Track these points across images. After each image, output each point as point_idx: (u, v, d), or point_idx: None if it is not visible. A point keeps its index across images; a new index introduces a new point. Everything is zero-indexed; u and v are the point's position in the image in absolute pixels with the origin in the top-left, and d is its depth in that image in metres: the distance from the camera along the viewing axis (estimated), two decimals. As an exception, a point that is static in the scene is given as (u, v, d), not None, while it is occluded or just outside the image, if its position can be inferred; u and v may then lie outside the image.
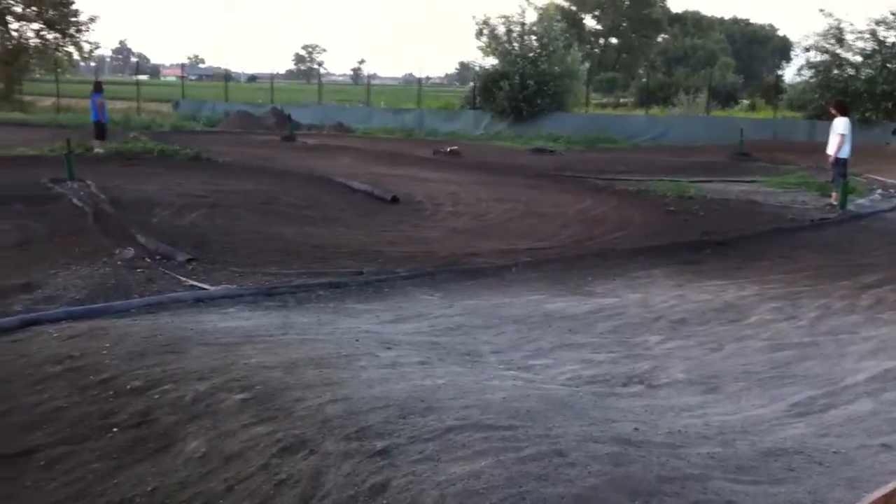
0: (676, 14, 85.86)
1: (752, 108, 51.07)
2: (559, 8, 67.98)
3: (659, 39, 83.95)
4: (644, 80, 55.81)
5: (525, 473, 3.72)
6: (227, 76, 54.65)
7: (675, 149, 29.64)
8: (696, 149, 28.98)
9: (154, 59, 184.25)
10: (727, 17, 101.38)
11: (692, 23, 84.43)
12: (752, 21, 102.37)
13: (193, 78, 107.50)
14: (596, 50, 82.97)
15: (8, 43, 45.60)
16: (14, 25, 45.93)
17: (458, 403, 4.71)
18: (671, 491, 3.63)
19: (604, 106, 54.87)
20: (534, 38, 37.57)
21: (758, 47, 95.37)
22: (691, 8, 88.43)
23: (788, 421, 4.98)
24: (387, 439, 4.17)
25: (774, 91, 42.11)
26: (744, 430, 4.71)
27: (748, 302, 8.55)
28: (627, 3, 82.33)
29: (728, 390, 5.68)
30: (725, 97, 51.47)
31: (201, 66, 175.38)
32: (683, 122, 35.27)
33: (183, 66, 69.72)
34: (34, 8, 45.50)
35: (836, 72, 32.60)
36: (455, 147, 27.07)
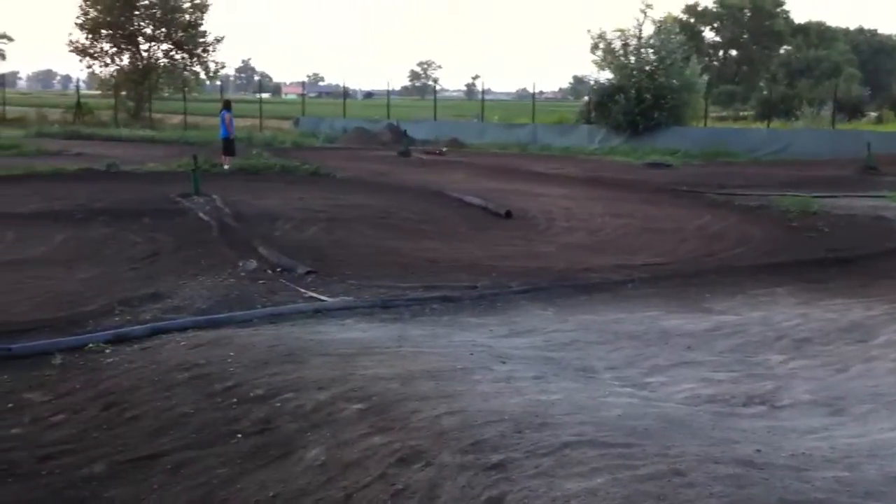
0: (799, 25, 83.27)
1: (880, 120, 49.11)
2: (677, 20, 66.83)
3: (781, 51, 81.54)
4: (765, 92, 54.33)
5: (642, 492, 3.66)
6: (344, 93, 55.82)
7: (797, 163, 28.69)
8: (821, 163, 27.95)
9: (276, 78, 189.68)
10: (852, 27, 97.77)
11: (816, 34, 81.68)
12: (879, 31, 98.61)
13: (313, 95, 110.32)
14: (715, 62, 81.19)
15: (139, 63, 47.78)
16: (144, 46, 48.15)
17: (573, 419, 4.68)
18: (796, 515, 3.52)
19: (723, 119, 53.71)
20: (651, 51, 37.05)
21: (885, 58, 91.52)
22: (815, 18, 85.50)
23: (920, 445, 4.75)
24: (502, 453, 4.17)
25: (904, 103, 40.36)
26: (871, 454, 4.51)
27: (876, 321, 8.20)
28: (748, 14, 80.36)
29: (855, 412, 5.46)
30: (851, 110, 49.63)
31: (320, 83, 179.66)
32: (807, 136, 34.11)
33: (303, 84, 71.50)
34: (164, 30, 47.55)
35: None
36: (444, 149, 27.17)
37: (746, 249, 12.56)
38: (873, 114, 54.45)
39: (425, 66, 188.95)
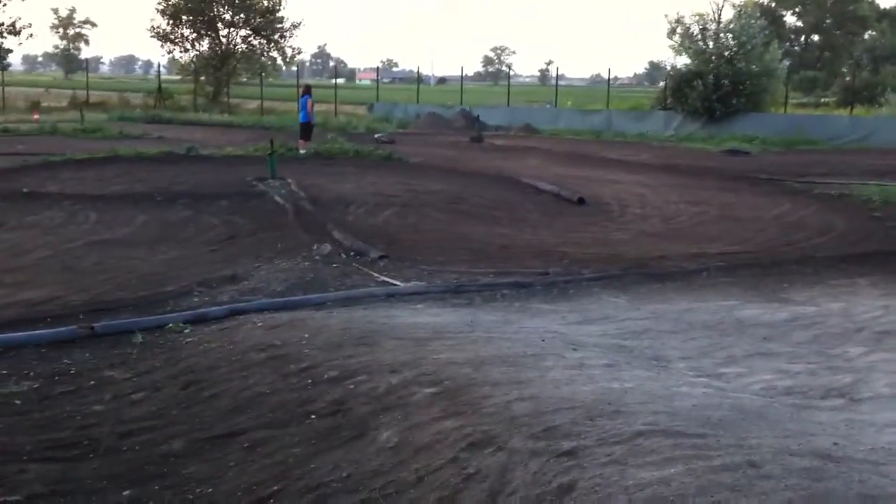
0: (885, 10, 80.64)
1: (968, 107, 47.27)
2: (758, 5, 65.28)
3: (865, 36, 79.11)
4: (847, 78, 52.81)
5: (717, 483, 3.62)
6: (418, 79, 55.96)
7: (881, 151, 27.85)
8: (906, 151, 27.15)
9: (350, 64, 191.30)
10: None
11: (902, 18, 79.07)
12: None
13: (386, 81, 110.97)
14: (796, 47, 79.20)
15: (218, 48, 48.59)
16: (223, 32, 48.95)
17: (646, 408, 4.64)
18: (874, 510, 3.44)
19: (804, 106, 52.32)
20: (730, 35, 36.31)
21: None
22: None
23: None
24: (574, 440, 4.17)
25: None
26: (955, 451, 4.38)
27: (962, 315, 7.94)
28: (832, -1, 78.19)
29: (938, 408, 5.30)
30: (938, 97, 47.89)
31: (394, 69, 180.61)
32: (890, 124, 33.06)
33: (377, 69, 71.87)
34: (242, 15, 48.25)
35: None
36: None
37: (827, 239, 12.27)
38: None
39: (499, 51, 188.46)
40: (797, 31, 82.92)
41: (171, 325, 7.33)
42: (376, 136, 27.92)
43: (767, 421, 4.62)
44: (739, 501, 3.46)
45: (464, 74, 51.86)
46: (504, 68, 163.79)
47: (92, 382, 6.15)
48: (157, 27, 47.96)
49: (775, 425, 4.56)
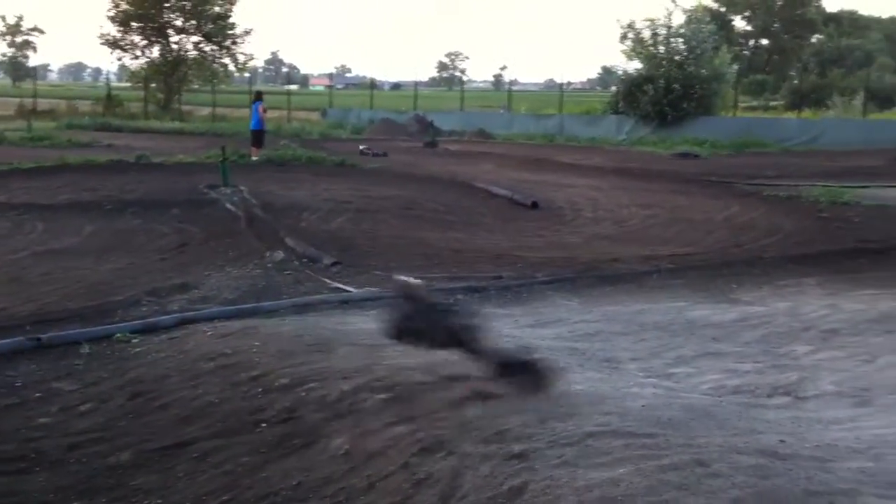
0: (831, 14, 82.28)
1: (913, 110, 48.40)
2: (708, 9, 66.21)
3: (813, 40, 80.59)
4: (796, 82, 53.78)
5: (666, 482, 3.65)
6: (371, 85, 55.91)
7: (828, 153, 28.40)
8: (852, 153, 27.68)
9: (303, 70, 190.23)
10: (885, 15, 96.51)
11: (848, 22, 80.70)
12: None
13: (340, 87, 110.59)
14: (745, 52, 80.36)
15: (168, 55, 48.05)
16: (174, 38, 48.39)
17: (597, 410, 4.67)
18: (819, 506, 3.49)
19: (753, 109, 53.17)
20: (681, 40, 36.78)
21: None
22: (847, 7, 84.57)
23: (945, 437, 4.69)
24: (525, 443, 4.18)
25: (939, 92, 39.78)
26: (898, 446, 4.47)
27: (906, 313, 8.10)
28: (780, 3, 79.45)
29: (881, 403, 5.40)
30: (884, 99, 48.96)
31: (348, 75, 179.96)
32: (838, 126, 33.76)
33: (330, 75, 71.65)
34: (194, 22, 47.79)
35: None
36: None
37: (775, 240, 12.46)
38: (907, 103, 53.68)
39: (453, 57, 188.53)
40: (746, 36, 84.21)
41: (119, 335, 7.22)
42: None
43: (716, 420, 4.68)
44: (688, 500, 3.50)
45: (418, 80, 51.97)
46: (458, 73, 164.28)
47: (38, 394, 6.04)
48: (107, 34, 47.35)
49: (723, 424, 4.61)
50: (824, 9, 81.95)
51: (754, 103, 59.07)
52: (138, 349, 6.90)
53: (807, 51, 77.43)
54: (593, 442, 4.16)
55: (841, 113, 39.67)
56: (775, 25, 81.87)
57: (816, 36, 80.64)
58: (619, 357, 6.49)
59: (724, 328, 7.52)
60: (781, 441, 4.31)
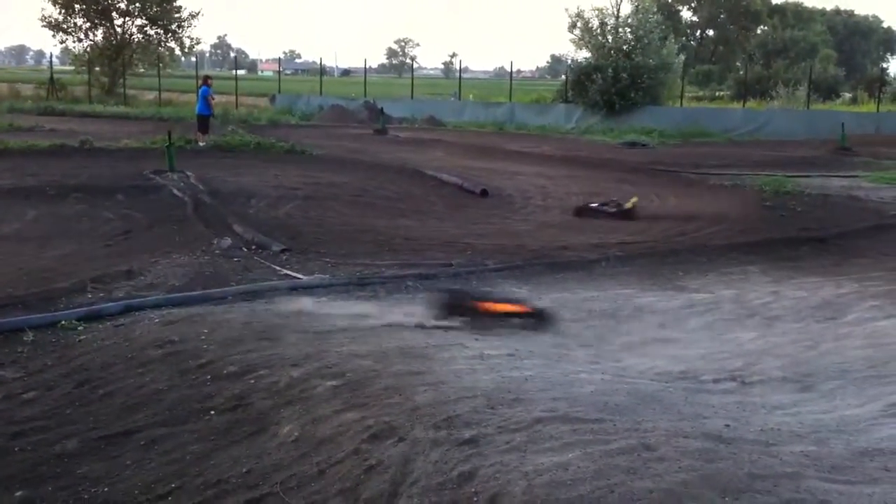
0: (776, 5, 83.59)
1: (855, 101, 49.49)
2: (655, 0, 66.86)
3: (758, 31, 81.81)
4: (741, 72, 54.59)
5: (613, 466, 3.71)
6: (321, 70, 55.42)
7: (772, 143, 28.92)
8: (796, 143, 28.22)
9: (252, 55, 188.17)
10: (829, 7, 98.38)
11: (792, 14, 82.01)
12: (855, 12, 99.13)
13: (289, 73, 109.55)
14: (692, 42, 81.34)
15: (112, 39, 47.13)
16: (118, 21, 47.46)
17: (546, 395, 4.72)
18: (763, 489, 3.57)
19: (699, 99, 53.92)
20: (628, 30, 37.09)
21: (861, 39, 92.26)
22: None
23: (885, 421, 4.82)
24: (475, 429, 4.21)
25: (878, 84, 40.67)
26: (839, 430, 4.58)
27: (846, 300, 8.30)
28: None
29: (823, 389, 5.53)
30: (827, 90, 49.98)
31: (297, 60, 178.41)
32: (782, 116, 34.37)
33: (279, 60, 70.83)
34: (138, 4, 46.92)
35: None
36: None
37: (720, 228, 12.64)
38: (848, 95, 54.82)
39: (403, 43, 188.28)
40: (693, 26, 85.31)
41: (63, 322, 7.09)
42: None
43: (662, 405, 4.75)
44: (635, 483, 3.55)
45: (368, 66, 51.65)
46: (408, 61, 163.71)
47: (-21, 382, 5.92)
48: (49, 16, 46.26)
49: (670, 409, 4.69)
50: (769, 0, 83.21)
51: (701, 93, 59.87)
52: (83, 336, 6.79)
53: (752, 42, 78.61)
54: (542, 427, 4.20)
55: (785, 103, 40.35)
56: (721, 16, 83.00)
57: (761, 27, 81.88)
58: (568, 343, 6.54)
59: (670, 315, 7.63)
60: (726, 425, 4.40)
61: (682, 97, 40.42)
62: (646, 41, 35.86)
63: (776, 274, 9.65)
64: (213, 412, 5.02)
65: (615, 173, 19.76)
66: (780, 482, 3.65)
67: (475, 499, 3.60)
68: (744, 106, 39.95)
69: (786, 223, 13.19)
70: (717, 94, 59.28)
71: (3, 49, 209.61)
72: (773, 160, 22.84)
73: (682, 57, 39.89)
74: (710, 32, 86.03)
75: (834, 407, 5.12)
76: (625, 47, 36.08)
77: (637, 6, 39.32)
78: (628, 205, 13.59)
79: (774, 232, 12.37)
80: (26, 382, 5.89)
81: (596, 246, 11.09)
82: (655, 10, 42.55)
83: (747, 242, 11.49)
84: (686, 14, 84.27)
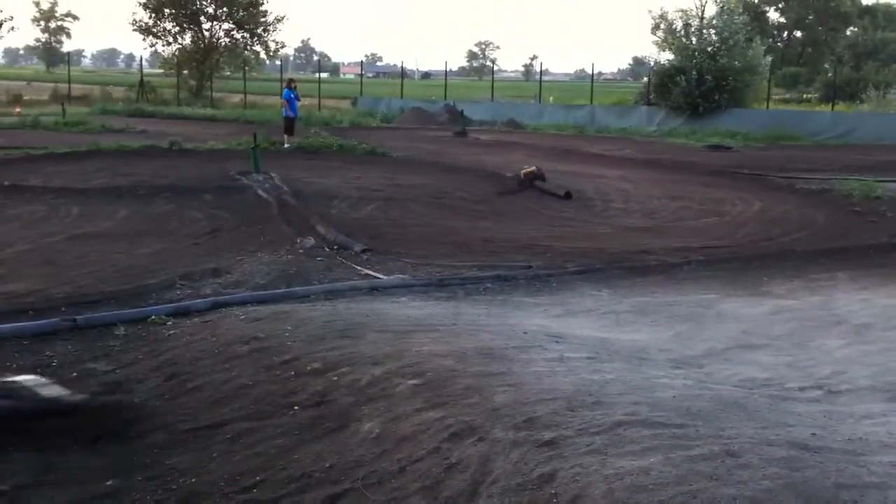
0: (866, 6, 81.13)
1: (948, 104, 47.67)
2: (741, 1, 65.57)
3: (847, 33, 79.51)
4: (830, 74, 53.13)
5: (696, 472, 3.66)
6: (402, 73, 55.86)
7: (862, 147, 28.07)
8: (885, 147, 27.35)
9: (334, 58, 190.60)
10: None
11: (884, 15, 79.41)
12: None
13: (371, 75, 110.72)
14: (779, 44, 79.49)
15: (200, 42, 48.33)
16: (206, 25, 48.65)
17: (626, 399, 4.68)
18: (849, 498, 3.48)
19: (786, 102, 52.64)
20: (713, 31, 36.47)
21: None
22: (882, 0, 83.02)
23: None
24: (555, 430, 4.20)
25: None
26: (930, 441, 4.44)
27: (940, 308, 8.03)
28: (814, -6, 78.54)
29: (914, 399, 5.37)
30: (918, 93, 48.27)
31: (378, 63, 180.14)
32: (872, 120, 33.35)
33: (361, 63, 71.58)
34: (225, 9, 47.99)
35: None
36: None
37: (807, 234, 12.37)
38: (941, 97, 52.92)
39: (483, 46, 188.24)
40: (780, 27, 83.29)
41: (153, 317, 7.32)
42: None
43: (746, 412, 4.67)
44: (718, 490, 3.51)
45: (448, 69, 51.89)
46: (488, 63, 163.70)
47: (74, 374, 6.14)
48: (140, 21, 47.67)
49: (754, 416, 4.60)
50: (859, 1, 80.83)
51: (787, 96, 58.47)
52: (172, 332, 6.99)
53: (841, 43, 76.45)
54: (623, 431, 4.17)
55: (875, 107, 39.15)
56: (809, 17, 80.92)
57: (851, 28, 79.57)
58: (649, 348, 6.48)
59: (755, 321, 7.49)
60: (813, 434, 4.31)
61: (768, 99, 39.56)
62: (731, 43, 35.20)
63: (865, 281, 9.39)
64: (296, 408, 5.12)
65: (698, 177, 19.46)
66: (867, 492, 3.56)
67: (555, 500, 3.59)
68: (832, 109, 38.86)
69: (876, 229, 12.82)
70: (804, 96, 57.80)
71: (95, 52, 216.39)
72: (862, 164, 22.18)
73: (769, 59, 39.05)
74: (798, 34, 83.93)
75: (925, 418, 4.96)
76: (709, 49, 35.47)
77: (722, 7, 38.63)
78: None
79: (864, 238, 12.05)
80: (117, 375, 6.09)
81: (678, 250, 10.95)
82: (741, 11, 41.74)
83: (835, 248, 11.22)
84: (773, 15, 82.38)
